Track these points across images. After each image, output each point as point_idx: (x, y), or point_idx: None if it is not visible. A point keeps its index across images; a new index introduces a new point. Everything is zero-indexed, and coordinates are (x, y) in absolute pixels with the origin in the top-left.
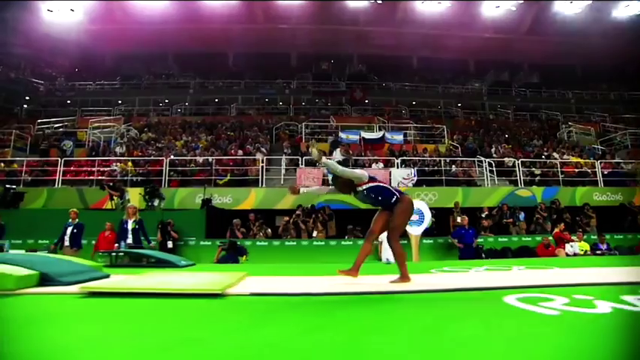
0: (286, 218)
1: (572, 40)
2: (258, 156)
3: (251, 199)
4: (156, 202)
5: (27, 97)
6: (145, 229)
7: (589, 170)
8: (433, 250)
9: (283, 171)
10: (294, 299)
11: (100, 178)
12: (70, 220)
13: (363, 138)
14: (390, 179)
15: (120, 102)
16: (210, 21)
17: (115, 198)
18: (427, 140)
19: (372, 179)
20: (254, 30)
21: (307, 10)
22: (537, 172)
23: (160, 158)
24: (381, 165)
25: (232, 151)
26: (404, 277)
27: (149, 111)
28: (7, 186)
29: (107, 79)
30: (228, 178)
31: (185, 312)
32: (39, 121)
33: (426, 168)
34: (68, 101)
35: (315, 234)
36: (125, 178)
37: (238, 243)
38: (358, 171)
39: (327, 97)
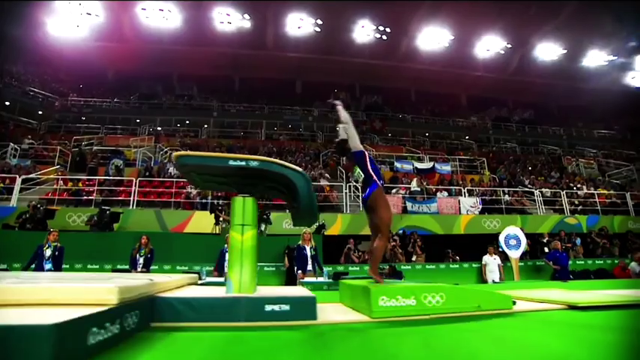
0: (393, 243)
1: (550, 82)
2: (323, 182)
3: (338, 224)
4: (263, 227)
5: (40, 112)
6: (318, 256)
7: (618, 201)
8: (526, 272)
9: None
10: None
11: (178, 200)
12: (226, 246)
13: (416, 168)
14: (460, 207)
15: (138, 120)
16: (219, 45)
17: (221, 222)
18: (470, 171)
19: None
20: (263, 56)
21: (316, 41)
22: (576, 202)
23: None
24: (445, 194)
25: None
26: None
27: (175, 131)
28: (103, 207)
29: (119, 97)
30: None
31: None
32: (75, 137)
33: (485, 197)
34: (83, 117)
35: (414, 258)
36: (203, 200)
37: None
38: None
39: None
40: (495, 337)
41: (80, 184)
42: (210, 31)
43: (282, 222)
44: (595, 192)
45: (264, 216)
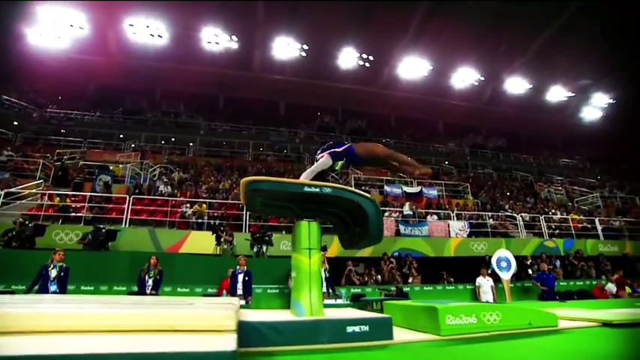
0: (391, 265)
1: (519, 113)
2: None
3: (333, 246)
4: (264, 248)
5: (15, 123)
6: (332, 279)
7: (589, 225)
8: (515, 293)
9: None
10: None
11: (173, 219)
12: (239, 267)
13: (405, 192)
14: (449, 230)
15: (122, 136)
16: (206, 64)
17: (222, 242)
18: (455, 195)
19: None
20: (248, 77)
21: (301, 65)
22: (553, 226)
23: (237, 202)
24: (435, 217)
25: None
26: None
27: (161, 148)
28: (98, 225)
29: (102, 112)
30: None
31: None
32: (58, 151)
33: (472, 221)
34: (63, 130)
35: (410, 279)
36: (199, 220)
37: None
38: (321, 161)
39: None
40: (556, 351)
41: (68, 200)
42: (198, 50)
43: (281, 243)
44: (568, 217)
45: (266, 237)
